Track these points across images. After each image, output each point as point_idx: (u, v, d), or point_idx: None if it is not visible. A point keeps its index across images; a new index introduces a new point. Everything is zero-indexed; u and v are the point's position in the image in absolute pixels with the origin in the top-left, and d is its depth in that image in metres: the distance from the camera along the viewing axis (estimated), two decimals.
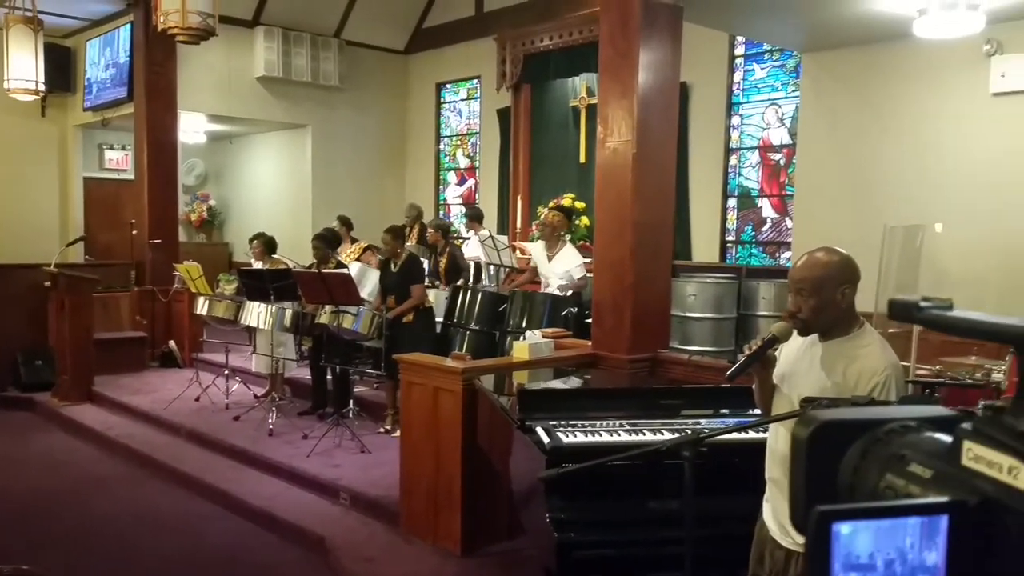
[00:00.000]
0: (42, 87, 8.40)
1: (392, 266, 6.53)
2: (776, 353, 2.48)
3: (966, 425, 0.56)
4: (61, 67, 10.84)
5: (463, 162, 11.94)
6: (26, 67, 8.18)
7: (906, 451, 0.59)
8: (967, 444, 0.55)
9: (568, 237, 7.36)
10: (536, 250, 7.21)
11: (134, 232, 9.99)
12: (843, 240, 5.72)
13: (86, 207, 11.84)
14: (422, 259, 7.03)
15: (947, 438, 0.58)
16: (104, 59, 10.59)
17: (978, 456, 0.54)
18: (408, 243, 8.26)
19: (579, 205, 9.09)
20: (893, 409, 0.66)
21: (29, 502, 5.65)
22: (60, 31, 10.89)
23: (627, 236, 4.95)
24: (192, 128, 11.52)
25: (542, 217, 9.65)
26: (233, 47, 10.29)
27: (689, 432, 3.25)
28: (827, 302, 2.27)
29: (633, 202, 4.92)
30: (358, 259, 8.03)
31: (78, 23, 10.84)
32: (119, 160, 12.23)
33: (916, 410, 0.60)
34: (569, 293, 6.62)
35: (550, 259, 6.89)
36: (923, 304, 0.63)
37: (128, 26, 9.99)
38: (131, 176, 11.00)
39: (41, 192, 11.42)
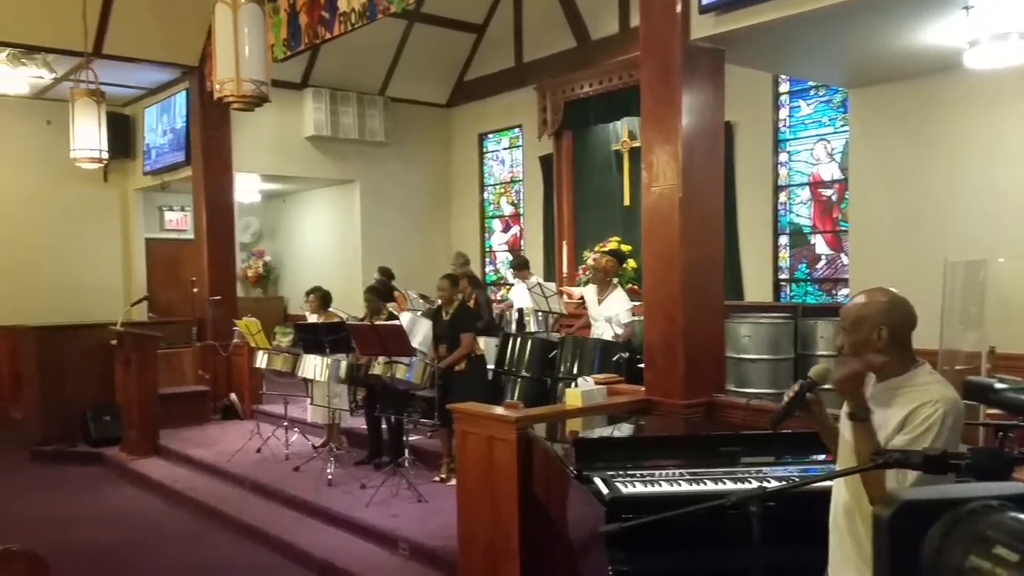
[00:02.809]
0: (105, 155, 8.72)
1: (444, 314, 6.59)
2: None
3: None
4: (121, 134, 11.25)
5: (507, 209, 12.05)
6: (90, 137, 8.50)
7: (990, 532, 0.58)
8: None
9: (617, 281, 7.35)
10: (587, 294, 7.21)
11: (195, 290, 10.27)
12: (902, 276, 5.59)
13: (148, 267, 12.20)
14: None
15: None
16: (161, 125, 11.00)
17: None
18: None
19: (625, 248, 9.08)
20: (973, 487, 0.65)
21: (99, 557, 5.75)
22: (120, 100, 11.34)
23: (676, 278, 4.92)
24: (247, 188, 11.84)
25: (591, 261, 9.68)
26: (284, 109, 10.59)
27: (752, 481, 3.20)
28: (862, 341, 2.30)
29: (680, 244, 4.90)
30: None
31: (136, 92, 11.27)
32: (178, 221, 12.61)
33: (996, 487, 0.59)
34: (618, 337, 6.58)
35: (600, 302, 6.88)
36: (998, 386, 0.63)
37: (184, 93, 10.37)
38: (190, 236, 11.33)
39: (105, 254, 11.81)
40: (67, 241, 11.37)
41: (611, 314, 6.70)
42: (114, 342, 8.70)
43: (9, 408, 10.43)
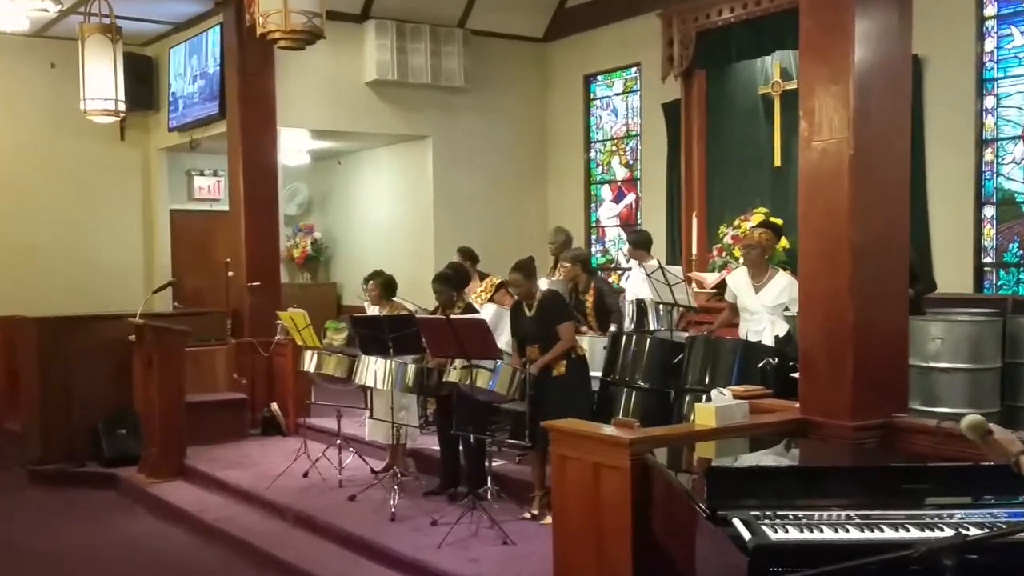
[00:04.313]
0: (122, 106, 9.00)
1: (527, 309, 6.59)
2: None
3: None
4: (142, 80, 11.70)
5: (620, 173, 12.03)
6: (103, 84, 8.77)
7: None
8: None
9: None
10: (736, 280, 7.12)
11: (229, 273, 10.58)
12: None
13: (173, 244, 12.70)
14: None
15: None
16: (190, 69, 11.39)
17: None
18: (553, 277, 8.36)
19: (775, 221, 8.93)
20: None
21: None
22: (140, 38, 11.78)
23: (844, 262, 4.84)
24: (294, 147, 12.20)
25: (728, 239, 9.57)
26: (340, 47, 10.79)
27: (944, 528, 3.12)
28: None
29: (850, 218, 4.81)
30: (491, 300, 8.17)
31: (159, 28, 11.69)
32: (211, 188, 13.08)
33: None
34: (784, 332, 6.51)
35: (758, 290, 6.81)
36: None
37: (217, 29, 10.68)
38: (225, 207, 11.74)
39: (122, 229, 12.33)
40: (75, 213, 11.91)
41: (780, 302, 6.63)
42: (132, 338, 9.03)
43: (3, 419, 10.81)
